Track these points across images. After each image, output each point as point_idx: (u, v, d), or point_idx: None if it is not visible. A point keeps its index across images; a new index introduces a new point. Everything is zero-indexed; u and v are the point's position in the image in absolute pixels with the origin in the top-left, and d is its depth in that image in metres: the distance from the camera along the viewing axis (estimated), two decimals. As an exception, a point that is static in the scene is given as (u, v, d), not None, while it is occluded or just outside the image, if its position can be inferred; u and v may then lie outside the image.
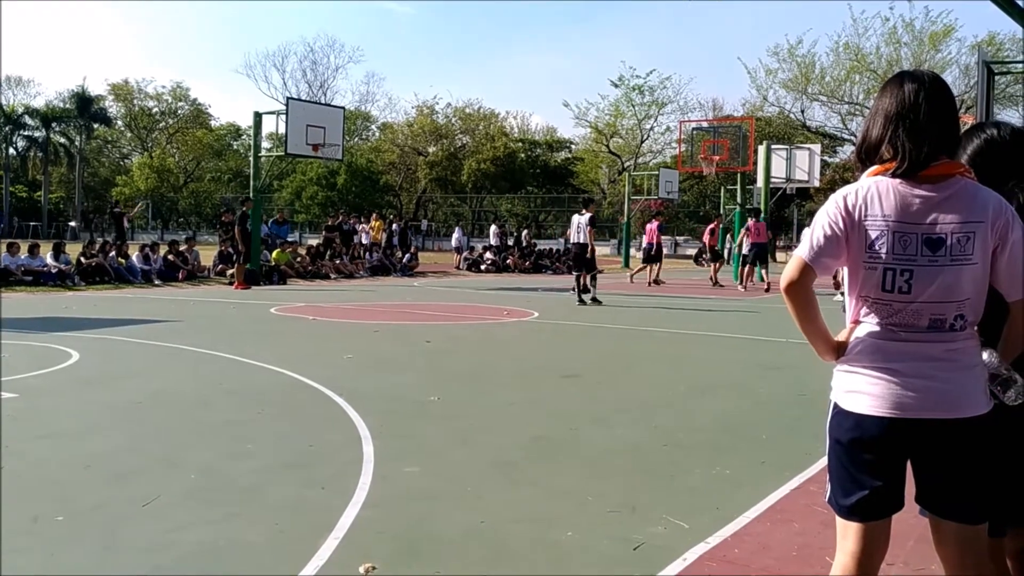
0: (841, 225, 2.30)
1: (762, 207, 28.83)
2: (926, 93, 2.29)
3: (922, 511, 2.41)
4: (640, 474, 4.92)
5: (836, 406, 2.40)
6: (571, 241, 16.62)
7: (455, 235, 35.00)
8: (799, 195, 46.80)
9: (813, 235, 2.34)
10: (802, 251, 2.35)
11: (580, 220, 16.34)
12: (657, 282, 22.88)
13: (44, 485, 4.46)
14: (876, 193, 2.29)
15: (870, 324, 2.34)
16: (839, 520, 2.43)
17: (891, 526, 2.40)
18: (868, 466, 2.31)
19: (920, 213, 2.25)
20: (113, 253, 20.02)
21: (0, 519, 3.87)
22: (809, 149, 33.36)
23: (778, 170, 31.55)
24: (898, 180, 2.28)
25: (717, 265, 24.77)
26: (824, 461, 5.12)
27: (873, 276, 2.29)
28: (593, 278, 16.35)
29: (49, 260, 18.78)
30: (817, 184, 35.28)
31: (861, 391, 2.32)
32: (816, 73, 51.31)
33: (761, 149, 30.27)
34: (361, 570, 3.40)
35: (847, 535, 2.39)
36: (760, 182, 30.93)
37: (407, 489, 4.49)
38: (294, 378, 7.60)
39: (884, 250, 2.26)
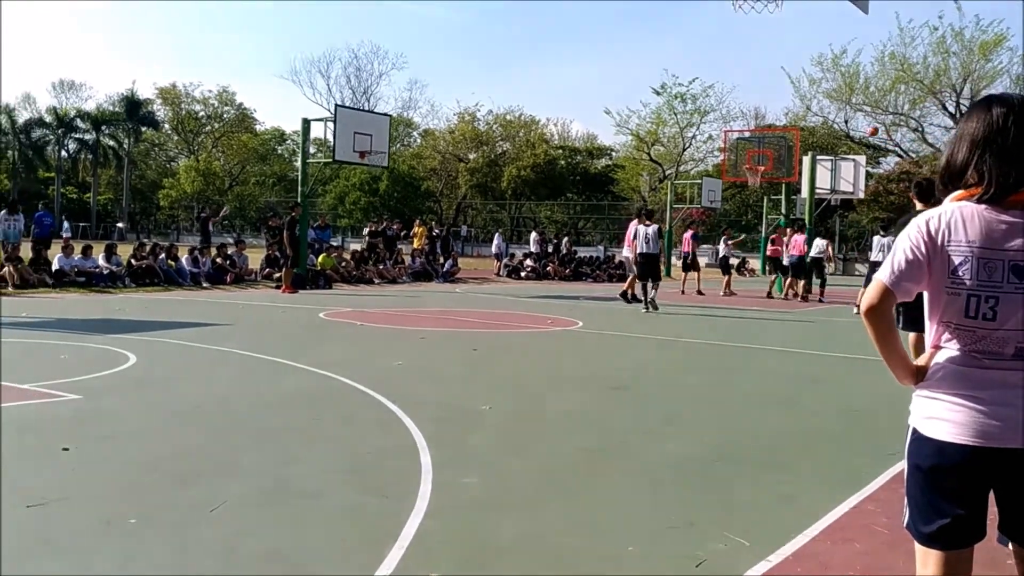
0: (923, 250, 2.30)
1: (806, 218, 28.59)
2: (1015, 117, 2.27)
3: (1000, 538, 2.40)
4: (694, 488, 4.92)
5: (915, 431, 2.39)
6: (638, 251, 16.92)
7: (495, 241, 35.01)
8: (842, 206, 46.32)
9: (895, 259, 2.34)
10: (883, 275, 2.35)
11: (648, 231, 16.87)
12: (700, 292, 22.83)
13: (115, 486, 4.57)
14: (960, 218, 2.28)
15: (952, 350, 2.33)
16: (919, 547, 2.40)
17: (973, 555, 2.38)
18: (950, 494, 2.29)
19: (1007, 240, 2.23)
20: (163, 255, 20.36)
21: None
22: (854, 160, 33.04)
23: (823, 181, 31.29)
24: (984, 206, 2.27)
25: (787, 279, 24.60)
26: (881, 480, 5.14)
27: (956, 302, 2.28)
28: (656, 286, 16.88)
29: (101, 261, 19.17)
30: (862, 195, 34.92)
31: (942, 418, 2.31)
32: (860, 83, 50.75)
33: (806, 160, 30.03)
34: (428, 580, 3.45)
35: (927, 563, 2.36)
36: (804, 193, 30.68)
37: (466, 499, 4.54)
38: (347, 383, 7.69)
39: (968, 276, 2.25)
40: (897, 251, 2.34)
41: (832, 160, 32.19)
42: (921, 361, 2.42)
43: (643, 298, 16.96)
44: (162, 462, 5.04)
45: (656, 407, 7.36)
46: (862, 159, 33.22)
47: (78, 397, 6.73)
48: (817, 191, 29.74)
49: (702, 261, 25.67)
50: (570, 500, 4.62)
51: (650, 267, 16.86)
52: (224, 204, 42.58)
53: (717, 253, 29.53)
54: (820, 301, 21.62)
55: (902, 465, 5.31)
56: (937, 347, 2.38)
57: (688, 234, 24.53)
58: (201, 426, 6.06)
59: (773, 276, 24.78)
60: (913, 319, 5.88)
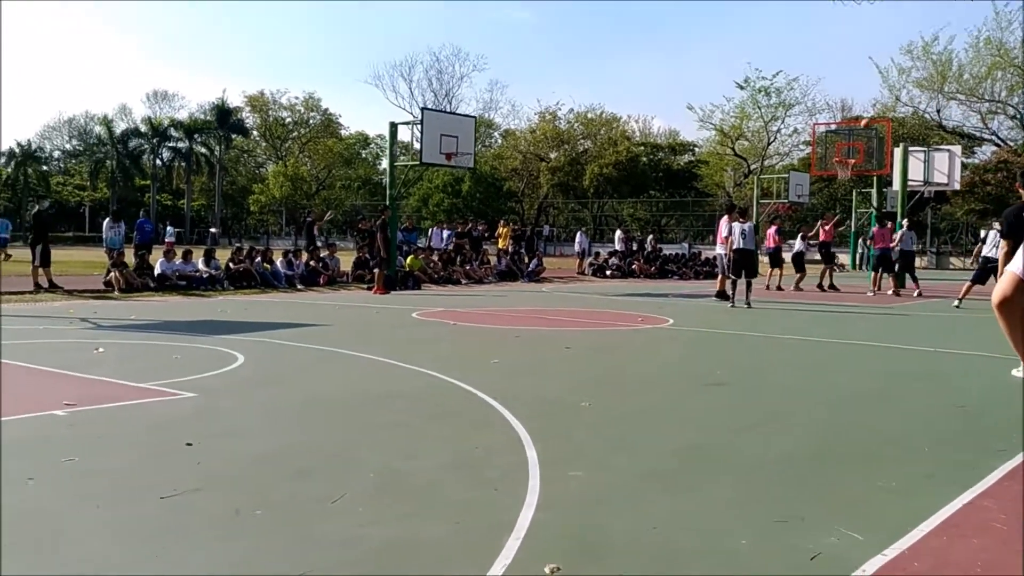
0: (1055, 242, 2.31)
1: (899, 211, 27.93)
2: None
3: None
4: (800, 484, 4.91)
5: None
6: (734, 246, 17.14)
7: (577, 239, 35.02)
8: (936, 198, 44.99)
9: None
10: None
11: (744, 227, 17.21)
12: (779, 288, 22.77)
13: (239, 479, 4.78)
14: None
15: (1085, 341, 2.33)
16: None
17: None
18: None
19: None
20: (259, 259, 20.99)
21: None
22: (949, 151, 32.16)
23: (915, 172, 30.50)
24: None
25: (829, 268, 24.33)
26: (995, 476, 5.07)
27: (1090, 293, 2.28)
28: (750, 284, 17.12)
29: (201, 265, 19.88)
30: (957, 187, 33.89)
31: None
32: (954, 71, 49.20)
33: (898, 151, 29.29)
34: (547, 570, 3.54)
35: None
36: (896, 185, 29.93)
37: (575, 493, 4.62)
38: (447, 381, 7.86)
39: None
40: None
41: (925, 151, 31.38)
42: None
43: (731, 294, 17.15)
44: (280, 456, 5.26)
45: (755, 403, 7.33)
46: (957, 149, 32.35)
47: (194, 395, 7.03)
48: (910, 183, 29.00)
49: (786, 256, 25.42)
50: (677, 494, 4.66)
51: (745, 262, 17.04)
52: (328, 208, 44.18)
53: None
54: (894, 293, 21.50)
55: (1017, 461, 5.25)
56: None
57: (772, 230, 24.36)
58: (313, 422, 6.29)
59: (869, 268, 24.41)
60: None
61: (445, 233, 28.64)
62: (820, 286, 22.97)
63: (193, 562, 3.61)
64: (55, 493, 4.50)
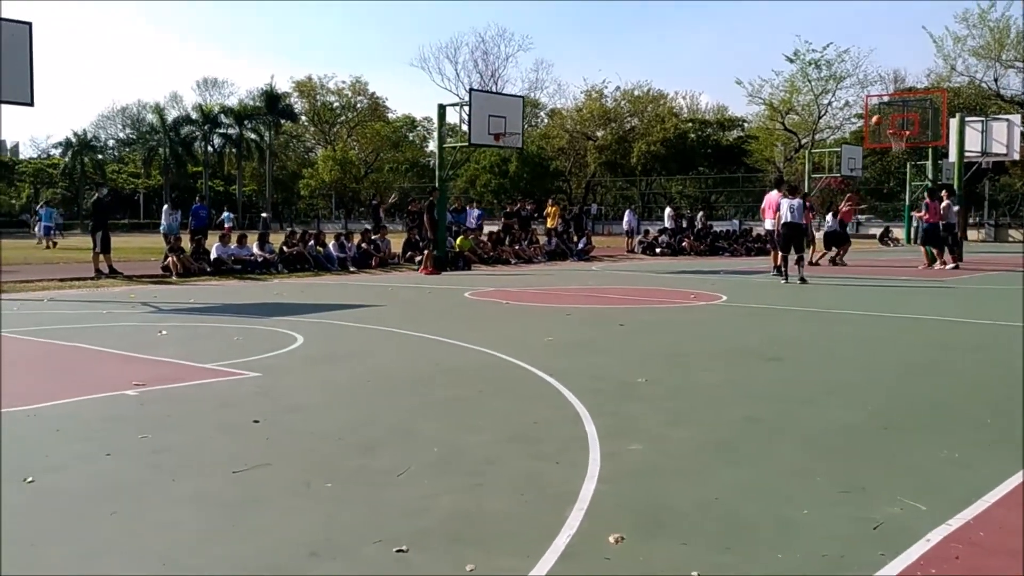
0: None
1: (955, 183, 27.36)
2: None
3: None
4: (862, 455, 4.91)
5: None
6: (783, 222, 17.24)
7: (626, 218, 34.82)
8: (994, 169, 43.98)
9: None
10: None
11: (793, 203, 17.22)
12: (816, 263, 22.89)
13: (306, 454, 4.91)
14: None
15: None
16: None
17: None
18: None
19: None
20: (312, 242, 21.27)
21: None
22: (1008, 120, 31.28)
23: (972, 143, 29.80)
24: None
25: (845, 247, 24.07)
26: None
27: None
28: (801, 259, 17.26)
29: (255, 249, 20.20)
30: (1016, 157, 33.06)
31: None
32: (1012, 38, 47.87)
33: (954, 122, 28.65)
34: (611, 540, 3.61)
35: None
36: (953, 156, 29.29)
37: (636, 465, 4.68)
38: (503, 358, 7.95)
39: None
40: None
41: (983, 121, 30.61)
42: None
43: (783, 269, 17.24)
44: (345, 432, 5.39)
45: (814, 377, 7.31)
46: (1016, 118, 31.45)
47: (257, 374, 7.21)
48: (967, 154, 28.38)
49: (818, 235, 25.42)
50: (738, 466, 4.69)
51: (794, 237, 17.09)
52: (393, 192, 45.26)
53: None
54: (954, 267, 21.23)
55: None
56: None
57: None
58: (374, 399, 6.42)
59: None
60: None
61: (475, 212, 28.70)
62: (832, 260, 23.38)
63: (271, 529, 3.74)
64: (133, 467, 4.67)
